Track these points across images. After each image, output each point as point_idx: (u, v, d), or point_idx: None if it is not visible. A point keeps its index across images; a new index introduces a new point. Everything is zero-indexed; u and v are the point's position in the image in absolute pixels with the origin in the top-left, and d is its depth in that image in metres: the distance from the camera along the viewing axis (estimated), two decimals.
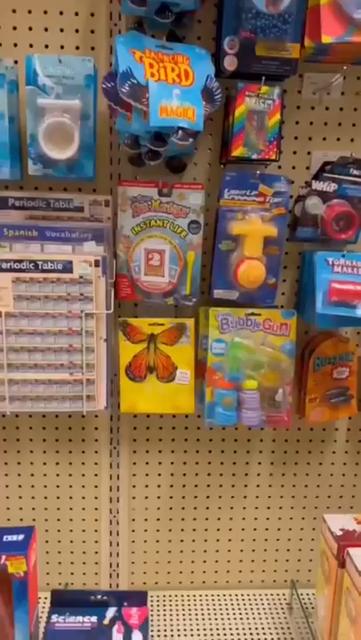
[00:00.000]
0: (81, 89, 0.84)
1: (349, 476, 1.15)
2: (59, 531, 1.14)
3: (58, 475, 1.11)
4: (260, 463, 1.13)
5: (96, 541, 1.15)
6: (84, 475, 1.11)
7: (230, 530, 1.17)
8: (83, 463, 1.11)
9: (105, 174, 0.97)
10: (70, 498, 1.13)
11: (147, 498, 1.14)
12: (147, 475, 1.13)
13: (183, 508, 1.15)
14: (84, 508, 1.13)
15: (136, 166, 0.93)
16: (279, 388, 0.94)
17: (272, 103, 0.88)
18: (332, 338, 1.00)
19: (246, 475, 1.13)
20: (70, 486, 1.12)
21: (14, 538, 0.79)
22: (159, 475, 1.13)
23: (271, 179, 0.91)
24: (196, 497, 1.14)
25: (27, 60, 0.83)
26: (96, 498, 1.13)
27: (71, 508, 1.13)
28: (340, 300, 0.89)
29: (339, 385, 1.02)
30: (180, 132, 0.80)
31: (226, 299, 0.95)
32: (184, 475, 1.13)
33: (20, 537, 0.80)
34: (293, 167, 0.99)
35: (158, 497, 1.14)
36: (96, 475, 1.12)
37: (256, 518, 1.16)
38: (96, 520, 1.14)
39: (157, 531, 1.16)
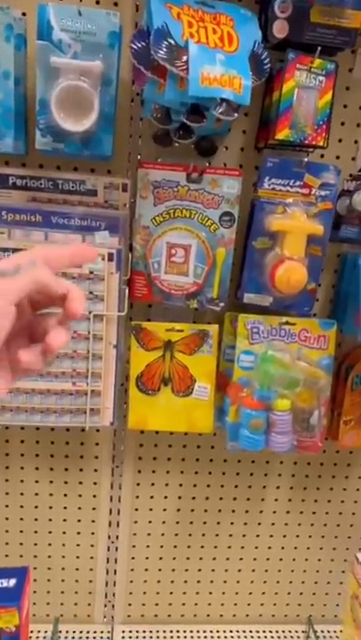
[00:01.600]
0: (103, 48, 0.70)
1: None
2: (49, 557, 1.01)
3: (51, 494, 0.98)
4: (278, 487, 1.01)
5: (91, 569, 1.03)
6: (80, 495, 0.98)
7: (241, 559, 1.05)
8: (80, 482, 0.98)
9: (123, 153, 0.83)
10: (64, 520, 0.99)
11: (150, 522, 1.01)
12: (151, 497, 1.00)
13: (190, 535, 1.02)
14: (79, 532, 1.00)
15: (161, 145, 0.79)
16: (315, 409, 0.82)
17: (324, 80, 0.76)
18: None
19: (263, 500, 1.02)
20: (65, 508, 0.99)
21: (4, 583, 0.66)
22: (165, 497, 1.00)
23: (319, 168, 0.78)
24: (205, 523, 1.02)
25: (39, 9, 0.69)
26: (93, 521, 1.00)
27: (65, 532, 1.00)
28: None
29: None
30: (223, 104, 0.67)
31: (257, 304, 0.83)
32: (193, 498, 1.01)
33: (12, 582, 0.67)
34: (338, 157, 0.86)
35: (163, 522, 1.01)
36: (95, 496, 0.99)
37: (270, 547, 1.05)
38: (92, 546, 1.01)
39: (160, 559, 1.03)
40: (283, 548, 1.05)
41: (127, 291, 0.81)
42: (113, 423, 0.86)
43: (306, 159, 0.77)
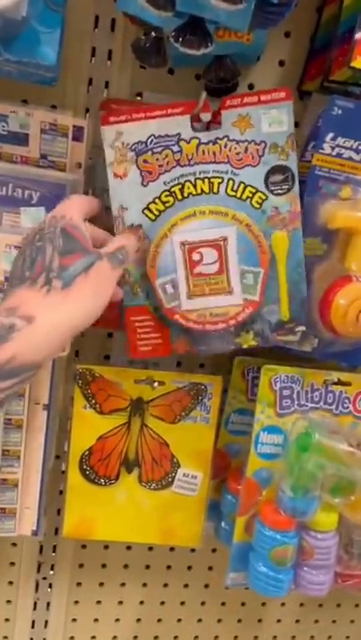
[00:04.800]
0: None
1: None
2: None
3: None
4: (278, 621, 0.69)
5: None
6: None
7: None
8: None
9: (79, 77, 0.49)
10: None
11: None
12: (96, 620, 0.66)
13: None
14: None
15: (148, 63, 0.45)
16: None
17: None
18: None
19: (256, 638, 0.69)
20: None
21: None
22: (117, 620, 0.66)
23: None
24: None
25: None
26: None
27: None
28: None
29: None
30: None
31: (291, 348, 0.49)
32: (159, 621, 0.67)
33: None
34: None
35: None
36: (7, 620, 0.64)
37: None
38: None
39: None
40: None
41: None
42: (37, 533, 0.52)
43: None
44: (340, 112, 0.44)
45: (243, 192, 0.44)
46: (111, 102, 0.49)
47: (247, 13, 0.40)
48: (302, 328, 0.46)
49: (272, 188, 0.44)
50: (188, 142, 0.43)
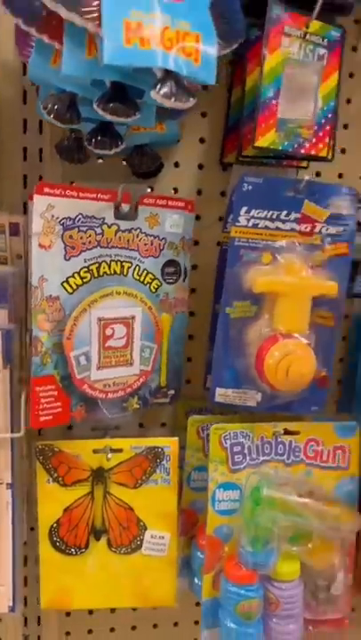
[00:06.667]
0: None
1: None
2: None
3: None
4: None
5: None
6: None
7: None
8: None
9: (14, 174, 0.53)
10: None
11: None
12: None
13: None
14: None
15: (69, 159, 0.49)
16: (337, 570, 0.52)
17: (326, 54, 0.48)
18: None
19: None
20: None
21: None
22: None
23: (325, 191, 0.49)
24: None
25: None
26: None
27: None
28: None
29: None
30: (168, 81, 0.37)
31: (238, 404, 0.52)
32: None
33: None
34: (340, 175, 0.59)
35: None
36: None
37: None
38: None
39: None
40: None
41: (23, 398, 0.49)
42: (14, 609, 0.53)
43: (307, 177, 0.48)
44: (250, 187, 0.48)
45: (145, 277, 0.50)
46: (42, 185, 0.53)
47: (150, 112, 0.45)
48: (172, 392, 0.55)
49: (165, 277, 0.51)
50: (110, 227, 0.47)
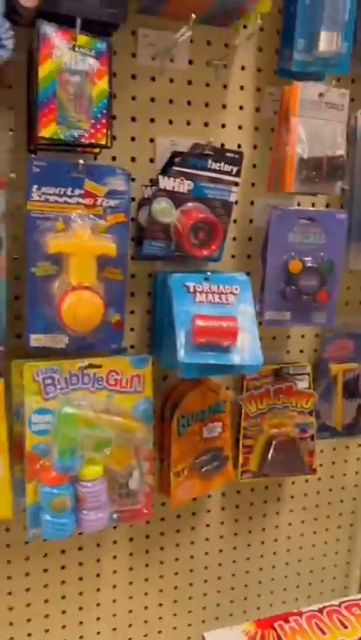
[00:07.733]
0: None
1: (228, 550, 0.92)
2: None
3: None
4: (114, 557, 0.84)
5: None
6: None
7: None
8: None
9: None
10: None
11: None
12: None
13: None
14: None
15: None
16: (133, 469, 0.66)
17: (95, 63, 0.61)
18: (199, 386, 0.76)
19: (98, 576, 0.84)
20: None
21: None
22: None
23: (101, 171, 0.63)
24: (29, 620, 0.81)
25: None
26: None
27: None
28: (207, 342, 0.65)
29: (210, 446, 0.77)
30: None
31: (50, 347, 0.65)
32: (9, 594, 0.79)
33: None
34: (133, 159, 0.72)
35: None
36: None
37: (115, 629, 0.87)
38: None
39: None
40: (130, 625, 0.88)
41: None
42: None
43: (82, 161, 0.61)
44: (37, 170, 0.59)
45: None
46: None
47: None
48: (1, 348, 0.62)
49: None
50: None
